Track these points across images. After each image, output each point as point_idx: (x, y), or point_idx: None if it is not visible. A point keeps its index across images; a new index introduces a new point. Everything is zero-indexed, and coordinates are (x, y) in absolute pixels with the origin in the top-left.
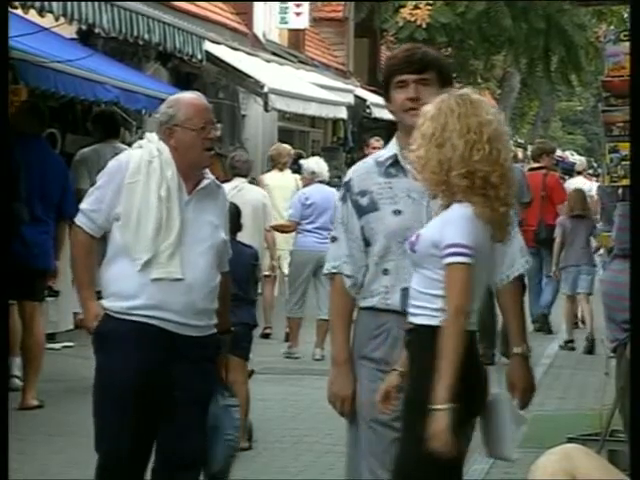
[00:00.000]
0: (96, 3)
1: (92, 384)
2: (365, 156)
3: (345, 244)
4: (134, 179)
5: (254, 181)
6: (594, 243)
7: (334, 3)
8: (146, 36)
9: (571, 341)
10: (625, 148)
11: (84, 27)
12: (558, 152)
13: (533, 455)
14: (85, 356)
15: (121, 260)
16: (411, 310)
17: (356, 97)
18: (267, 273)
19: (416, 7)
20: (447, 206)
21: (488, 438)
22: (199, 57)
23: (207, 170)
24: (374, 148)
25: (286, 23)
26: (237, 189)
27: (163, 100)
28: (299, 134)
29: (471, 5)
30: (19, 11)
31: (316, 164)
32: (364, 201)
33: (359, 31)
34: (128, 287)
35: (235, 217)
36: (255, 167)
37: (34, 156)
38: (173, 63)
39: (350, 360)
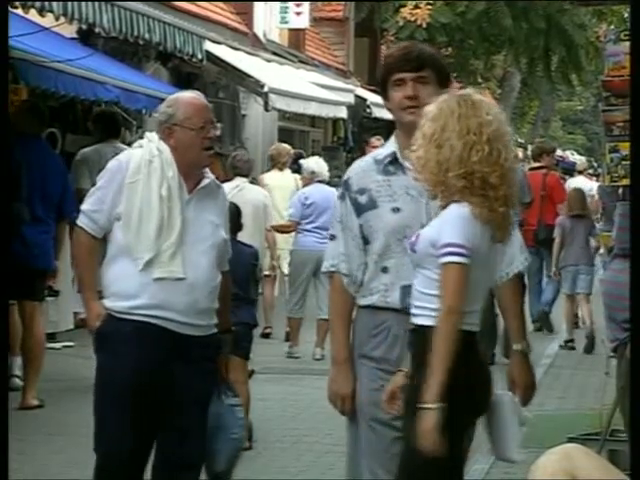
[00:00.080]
0: (96, 3)
1: (92, 384)
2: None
3: (343, 242)
4: (135, 179)
5: (255, 181)
6: (593, 243)
7: (334, 3)
8: (146, 36)
9: (571, 341)
10: (625, 148)
11: (84, 27)
12: (558, 152)
13: (533, 455)
14: (85, 356)
15: (122, 260)
16: (413, 310)
17: (356, 97)
18: (267, 273)
19: (416, 7)
20: (446, 206)
21: (491, 439)
22: (199, 57)
23: (207, 169)
24: (375, 147)
25: (286, 23)
26: (238, 189)
27: (163, 100)
28: (299, 134)
29: (471, 5)
30: (19, 11)
31: (316, 164)
32: (363, 199)
33: (359, 31)
34: (130, 287)
35: (235, 217)
36: (255, 167)
37: (34, 156)
38: (173, 63)
39: (350, 359)
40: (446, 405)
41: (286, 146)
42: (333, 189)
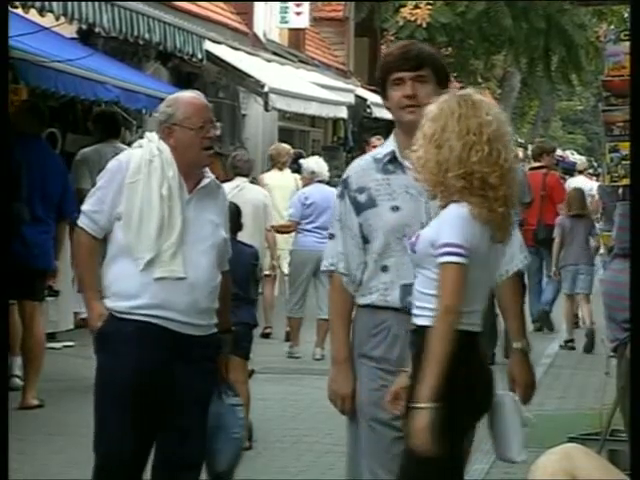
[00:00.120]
0: (96, 3)
1: (92, 384)
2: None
3: (341, 241)
4: (135, 178)
5: (255, 181)
6: (593, 243)
7: (334, 3)
8: (146, 36)
9: (571, 341)
10: (625, 148)
11: (84, 27)
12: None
13: (533, 455)
14: (85, 356)
15: (122, 260)
16: (414, 311)
17: (356, 97)
18: (267, 273)
19: (416, 7)
20: (445, 206)
21: (494, 439)
22: (199, 57)
23: (207, 169)
24: (375, 147)
25: (286, 23)
26: (238, 188)
27: (163, 100)
28: (299, 134)
29: (471, 5)
30: (19, 10)
31: (316, 164)
32: (362, 198)
33: (359, 31)
34: (130, 287)
35: (235, 216)
36: (255, 167)
37: (34, 156)
38: (173, 63)
39: (350, 358)
40: (447, 405)
41: (286, 146)
42: (333, 189)
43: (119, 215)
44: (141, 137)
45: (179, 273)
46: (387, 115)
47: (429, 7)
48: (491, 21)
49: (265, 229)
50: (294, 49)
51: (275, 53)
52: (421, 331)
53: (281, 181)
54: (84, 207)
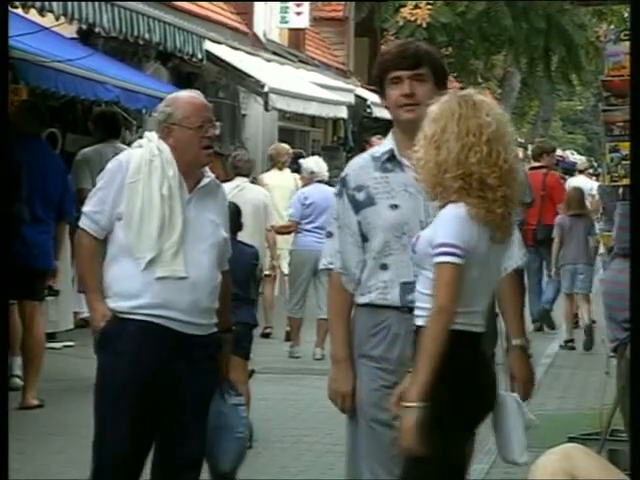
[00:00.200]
0: (96, 3)
1: (93, 384)
2: None
3: (339, 240)
4: (135, 178)
5: (255, 181)
6: (592, 242)
7: (334, 3)
8: (146, 36)
9: (571, 341)
10: (625, 148)
11: (84, 27)
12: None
13: (533, 455)
14: (85, 356)
15: (123, 259)
16: (415, 312)
17: (356, 96)
18: (267, 273)
19: (416, 7)
20: (443, 207)
21: (497, 440)
22: (199, 57)
23: (207, 169)
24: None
25: (286, 23)
26: (238, 188)
27: (163, 99)
28: (299, 134)
29: (471, 5)
30: (19, 10)
31: (315, 164)
32: (361, 196)
33: (359, 31)
34: (132, 286)
35: (235, 216)
36: (255, 167)
37: (34, 156)
38: (173, 63)
39: (350, 357)
40: (450, 406)
41: (285, 146)
42: (333, 189)
43: (120, 215)
44: (141, 137)
45: (181, 272)
46: (387, 115)
47: (429, 7)
48: (491, 21)
49: (265, 229)
50: (294, 49)
51: (275, 53)
52: (420, 331)
53: (281, 181)
54: (85, 208)
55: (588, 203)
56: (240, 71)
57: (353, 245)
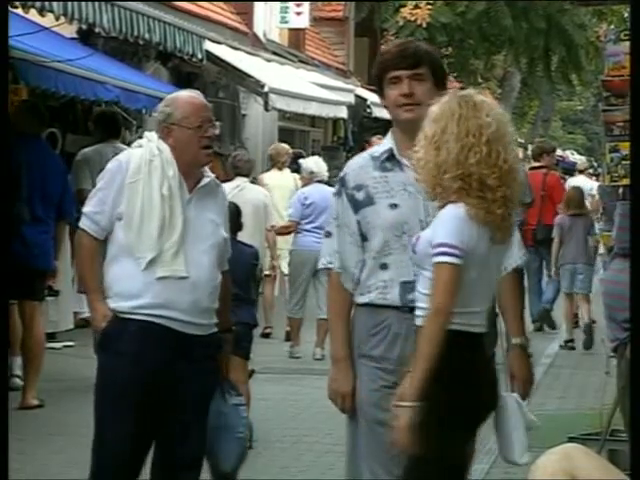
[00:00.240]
0: (96, 3)
1: (93, 384)
2: None
3: (337, 240)
4: (135, 178)
5: (255, 181)
6: (591, 242)
7: (334, 3)
8: (146, 36)
9: (571, 341)
10: (625, 147)
11: (84, 27)
12: (558, 152)
13: (533, 455)
14: (85, 356)
15: (124, 260)
16: (416, 312)
17: (356, 96)
18: (267, 273)
19: (416, 7)
20: (443, 207)
21: (498, 440)
22: (199, 57)
23: (207, 168)
24: None
25: (286, 23)
26: (238, 188)
27: (163, 99)
28: (299, 134)
29: (471, 5)
30: (19, 10)
31: (315, 164)
32: (360, 195)
33: (359, 31)
34: (132, 286)
35: (235, 216)
36: (255, 167)
37: (34, 156)
38: (173, 63)
39: (349, 356)
40: (451, 406)
41: (285, 146)
42: (333, 189)
43: (120, 215)
44: (141, 137)
45: (181, 272)
46: (387, 115)
47: (429, 7)
48: (491, 21)
49: (265, 229)
50: (294, 49)
51: (275, 53)
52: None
53: (281, 181)
54: (85, 209)
55: (588, 203)
56: (240, 71)
57: (352, 245)
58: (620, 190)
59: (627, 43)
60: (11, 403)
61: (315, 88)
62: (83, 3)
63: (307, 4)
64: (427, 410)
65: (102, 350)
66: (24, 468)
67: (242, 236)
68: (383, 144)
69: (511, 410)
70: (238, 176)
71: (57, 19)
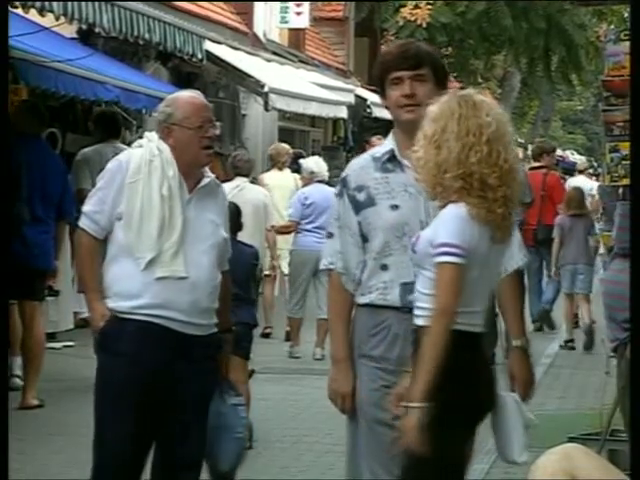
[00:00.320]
0: (96, 3)
1: (93, 384)
2: None
3: (339, 240)
4: (135, 178)
5: (255, 181)
6: (592, 242)
7: (334, 3)
8: (146, 36)
9: (571, 341)
10: (625, 148)
11: (84, 27)
12: (558, 152)
13: (533, 455)
14: (85, 356)
15: (123, 260)
16: (415, 312)
17: (356, 96)
18: (267, 273)
19: (416, 7)
20: (444, 207)
21: (496, 439)
22: (199, 57)
23: (207, 169)
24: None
25: (286, 23)
26: (238, 188)
27: (163, 100)
28: (299, 134)
29: (471, 5)
30: (19, 10)
31: (315, 164)
32: (361, 196)
33: (359, 31)
34: (132, 286)
35: (235, 216)
36: (255, 167)
37: (34, 156)
38: (173, 63)
39: (350, 357)
40: (450, 406)
41: (285, 146)
42: (333, 189)
43: (120, 215)
44: (141, 137)
45: (181, 273)
46: (387, 115)
47: (429, 7)
48: (491, 21)
49: (265, 229)
50: (294, 49)
51: (275, 53)
52: (422, 331)
53: (281, 181)
54: (85, 208)
55: (588, 203)
56: (240, 71)
57: (353, 246)
58: (620, 190)
59: (627, 43)
60: (11, 403)
61: (315, 88)
62: (83, 3)
63: (307, 4)
64: (429, 410)
65: (101, 350)
66: (24, 468)
67: (242, 236)
68: (384, 145)
69: (510, 409)
70: (238, 176)
71: (57, 19)
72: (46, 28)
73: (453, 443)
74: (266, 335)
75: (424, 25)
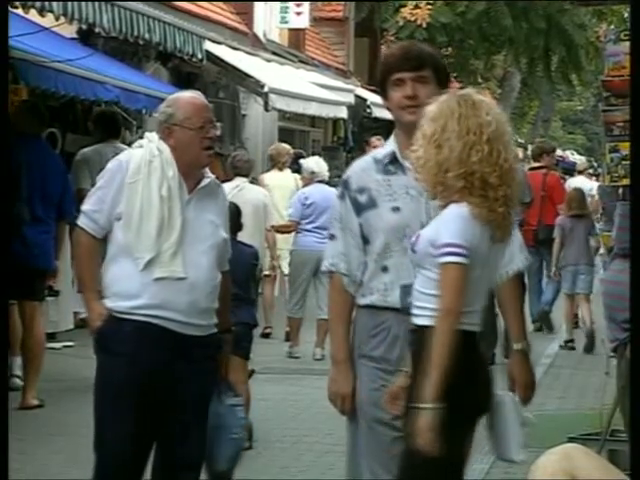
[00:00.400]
0: (96, 3)
1: (93, 384)
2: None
3: (342, 242)
4: (135, 179)
5: (255, 181)
6: (593, 243)
7: (334, 3)
8: (146, 36)
9: (571, 341)
10: (625, 148)
11: (84, 27)
12: (558, 152)
13: (533, 455)
14: (85, 356)
15: (122, 260)
16: (413, 311)
17: (356, 97)
18: (267, 273)
19: (416, 7)
20: (445, 206)
21: (493, 439)
22: (199, 57)
23: (207, 169)
24: (375, 147)
25: (286, 23)
26: (238, 188)
27: (163, 100)
28: (299, 134)
29: (471, 5)
30: (19, 11)
31: (316, 164)
32: (363, 198)
33: (359, 31)
34: (130, 287)
35: (235, 217)
36: (255, 167)
37: (34, 156)
38: (173, 63)
39: (349, 358)
40: (447, 405)
41: (285, 146)
42: (333, 189)
43: (119, 215)
44: (141, 137)
45: (179, 273)
46: (387, 115)
47: (429, 7)
48: (491, 21)
49: (265, 229)
50: (294, 49)
51: (275, 53)
52: (421, 331)
53: (281, 181)
54: (84, 207)
55: (588, 203)
56: (240, 71)
57: (354, 247)
58: (620, 190)
59: (627, 43)
60: (11, 403)
61: (315, 88)
62: (83, 3)
63: (307, 4)
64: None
65: (100, 350)
66: (24, 468)
67: (242, 236)
68: (386, 147)
69: (508, 408)
70: (237, 176)
71: (57, 19)
72: (46, 28)
73: (452, 443)
74: (266, 335)
75: (424, 25)
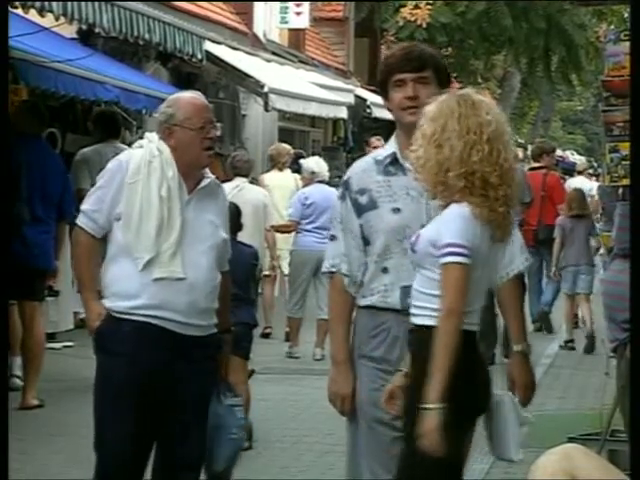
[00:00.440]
0: (96, 3)
1: (92, 384)
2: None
3: (343, 243)
4: (135, 179)
5: (255, 181)
6: (593, 243)
7: (334, 3)
8: (146, 36)
9: (571, 341)
10: (625, 148)
11: (84, 27)
12: (558, 152)
13: (533, 455)
14: (85, 356)
15: (122, 260)
16: (412, 310)
17: (356, 97)
18: (267, 273)
19: (416, 7)
20: (446, 206)
21: (492, 439)
22: (199, 57)
23: (207, 169)
24: (375, 147)
25: (286, 23)
26: (238, 189)
27: (163, 100)
28: (299, 134)
29: (471, 5)
30: (19, 11)
31: (316, 164)
32: (363, 199)
33: (359, 31)
34: (129, 287)
35: (235, 217)
36: (255, 167)
37: (34, 156)
38: (173, 63)
39: (349, 359)
40: (446, 405)
41: (286, 146)
42: (333, 189)
43: (118, 215)
44: (141, 137)
45: (178, 273)
46: (387, 115)
47: (429, 7)
48: (491, 21)
49: (265, 229)
50: (294, 49)
51: (275, 53)
52: (420, 330)
53: (281, 181)
54: (83, 206)
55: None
56: (240, 71)
57: (355, 248)
58: (620, 190)
59: (627, 43)
60: (11, 403)
61: (315, 88)
62: (83, 3)
63: (307, 4)
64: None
65: (99, 350)
66: (24, 468)
67: (242, 236)
68: (387, 147)
69: (506, 407)
70: (237, 176)
71: (57, 19)
72: (46, 28)
73: (452, 442)
74: (266, 335)
75: (424, 25)
